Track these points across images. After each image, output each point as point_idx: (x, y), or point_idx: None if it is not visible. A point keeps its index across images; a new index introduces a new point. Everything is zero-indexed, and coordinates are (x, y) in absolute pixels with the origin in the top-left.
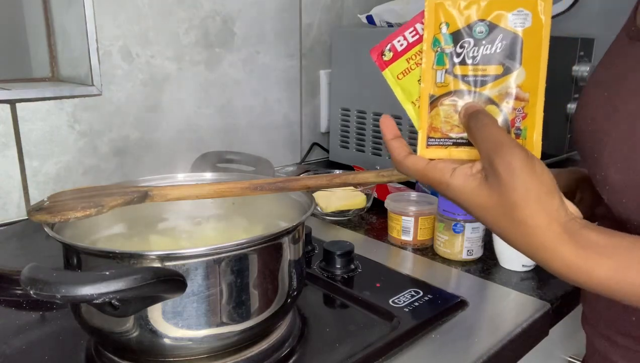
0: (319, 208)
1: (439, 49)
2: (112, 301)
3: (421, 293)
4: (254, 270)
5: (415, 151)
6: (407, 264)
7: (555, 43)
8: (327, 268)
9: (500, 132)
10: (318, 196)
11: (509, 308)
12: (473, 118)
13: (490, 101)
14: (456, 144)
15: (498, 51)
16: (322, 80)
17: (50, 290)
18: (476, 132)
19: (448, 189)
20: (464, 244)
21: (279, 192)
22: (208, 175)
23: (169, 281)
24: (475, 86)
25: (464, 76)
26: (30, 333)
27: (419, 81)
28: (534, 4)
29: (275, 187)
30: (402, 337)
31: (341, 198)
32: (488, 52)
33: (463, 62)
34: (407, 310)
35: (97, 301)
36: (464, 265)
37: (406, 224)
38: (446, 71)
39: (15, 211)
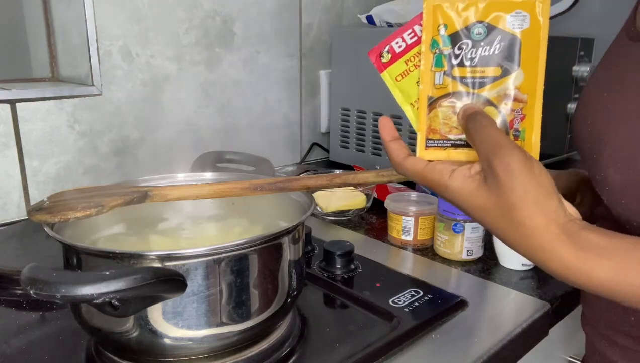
0: (319, 208)
1: (437, 51)
2: (112, 301)
3: (421, 293)
4: (254, 270)
5: (414, 152)
6: (407, 264)
7: (555, 43)
8: (327, 268)
9: (498, 133)
10: (318, 196)
11: (509, 308)
12: (471, 120)
13: (489, 103)
14: (455, 145)
15: (496, 52)
16: (322, 80)
17: (50, 290)
18: (474, 134)
19: (447, 191)
20: (464, 244)
21: (279, 192)
22: (208, 175)
23: (169, 281)
24: (474, 88)
25: (462, 78)
26: (30, 333)
27: (417, 82)
28: (532, 5)
29: (275, 187)
30: (402, 337)
31: (341, 198)
32: (486, 53)
33: (461, 64)
34: (407, 310)
35: (97, 301)
36: (464, 265)
37: (406, 224)
38: (444, 73)
39: (15, 211)
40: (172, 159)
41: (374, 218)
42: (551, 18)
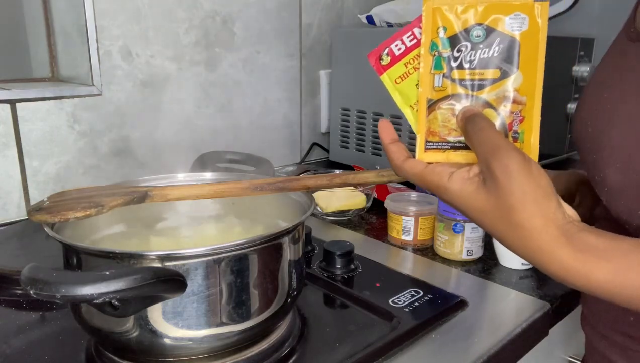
0: (319, 208)
1: (436, 53)
2: (112, 301)
3: (421, 293)
4: (254, 270)
5: (414, 154)
6: (407, 264)
7: (555, 43)
8: (327, 268)
9: (497, 135)
10: (318, 196)
11: (509, 308)
12: (470, 122)
13: (488, 105)
14: (454, 148)
15: (495, 54)
16: (322, 80)
17: (50, 290)
18: (473, 136)
19: (446, 193)
20: (464, 244)
21: (279, 192)
22: (208, 175)
23: (169, 281)
24: (473, 90)
25: (461, 80)
26: (30, 333)
27: (416, 85)
28: (531, 7)
29: (275, 187)
30: (402, 337)
31: (341, 198)
32: (485, 56)
33: (460, 66)
34: (407, 310)
35: (97, 301)
36: (464, 265)
37: (406, 225)
38: (444, 75)
39: (15, 211)
40: (172, 159)
41: (374, 218)
42: (551, 18)
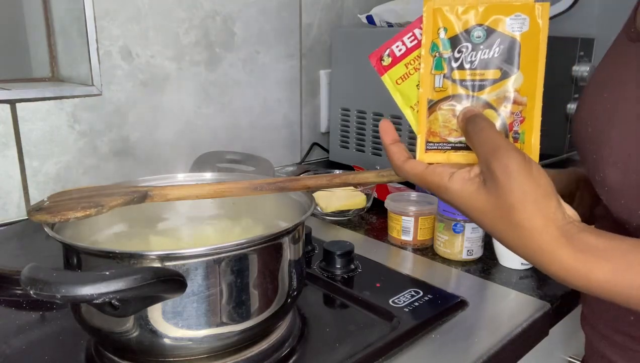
0: (319, 208)
1: (437, 54)
2: (112, 301)
3: (421, 293)
4: (254, 270)
5: (414, 154)
6: (407, 264)
7: (555, 43)
8: (327, 268)
9: (497, 136)
10: (318, 196)
11: (509, 308)
12: (471, 122)
13: (488, 105)
14: (455, 148)
15: (496, 55)
16: (322, 80)
17: (50, 290)
18: (474, 136)
19: (446, 193)
20: (464, 244)
21: (279, 192)
22: (208, 175)
23: (169, 281)
24: (473, 91)
25: (462, 81)
26: (30, 333)
27: (417, 85)
28: (532, 8)
29: (275, 187)
30: (402, 337)
31: (341, 198)
32: (486, 56)
33: (461, 67)
34: (407, 310)
35: (97, 301)
36: (464, 265)
37: (406, 225)
38: (444, 76)
39: (15, 211)
40: (172, 159)
41: (374, 218)
42: (551, 18)
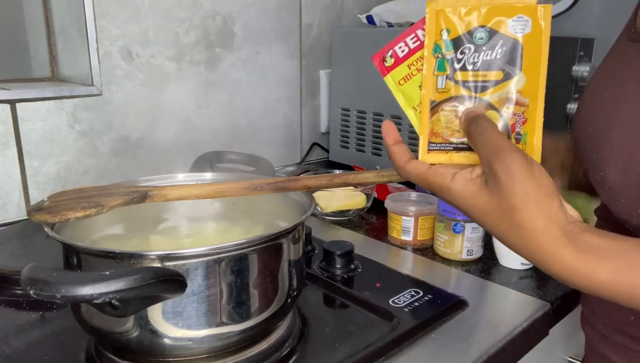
0: (319, 208)
1: (439, 55)
2: (112, 301)
3: (421, 293)
4: (254, 270)
5: (415, 155)
6: (407, 264)
7: (555, 43)
8: (327, 268)
9: (499, 136)
10: (318, 196)
11: (509, 308)
12: (473, 123)
13: (491, 107)
14: (457, 149)
15: (498, 56)
16: (322, 80)
17: (50, 290)
18: (476, 137)
19: (449, 194)
20: (464, 244)
21: (279, 192)
22: (208, 175)
23: (169, 281)
24: (476, 92)
25: (464, 82)
26: (30, 333)
27: (420, 86)
28: (534, 10)
29: (275, 187)
30: (402, 337)
31: (341, 198)
32: (488, 58)
33: (464, 68)
34: (407, 310)
35: (97, 301)
36: (464, 265)
37: (406, 225)
38: (447, 77)
39: (15, 211)
40: (172, 159)
41: (374, 218)
42: (551, 18)
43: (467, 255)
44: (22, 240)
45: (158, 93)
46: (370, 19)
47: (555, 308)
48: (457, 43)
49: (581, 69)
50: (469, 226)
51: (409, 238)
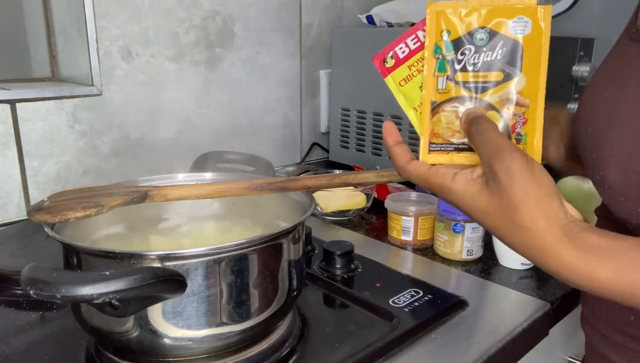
0: (319, 208)
1: (440, 56)
2: (112, 301)
3: (421, 293)
4: (254, 270)
5: (416, 155)
6: (407, 264)
7: (555, 43)
8: (327, 268)
9: (500, 137)
10: (318, 196)
11: (509, 308)
12: (473, 124)
13: (491, 107)
14: (457, 149)
15: (498, 57)
16: (322, 80)
17: (50, 290)
18: (476, 138)
19: (449, 194)
20: (464, 244)
21: (279, 192)
22: (208, 175)
23: (169, 281)
24: (476, 92)
25: (465, 83)
26: (30, 333)
27: (420, 87)
28: (534, 11)
29: (275, 187)
30: (402, 337)
31: (341, 198)
32: (489, 58)
33: (464, 69)
34: (407, 310)
35: (97, 301)
36: (464, 265)
37: (406, 225)
38: (447, 78)
39: (15, 211)
40: (172, 159)
41: (374, 218)
42: (551, 18)
43: (467, 255)
44: (22, 240)
45: (158, 93)
46: (370, 19)
47: (555, 308)
48: (457, 44)
49: (581, 69)
50: (469, 226)
51: (409, 238)
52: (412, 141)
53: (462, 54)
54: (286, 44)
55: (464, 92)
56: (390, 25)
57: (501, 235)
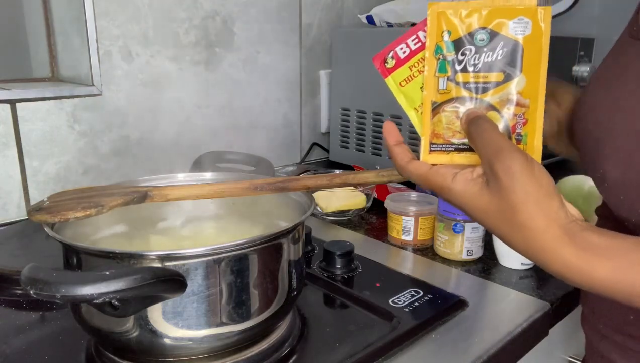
0: (319, 208)
1: (440, 57)
2: (112, 301)
3: (421, 293)
4: (254, 270)
5: (416, 155)
6: (407, 264)
7: (555, 43)
8: (327, 268)
9: (500, 137)
10: (318, 196)
11: (509, 308)
12: (474, 124)
13: (492, 108)
14: (458, 149)
15: (499, 58)
16: (322, 80)
17: (50, 290)
18: (477, 138)
19: (450, 194)
20: (464, 244)
21: (279, 192)
22: (208, 175)
23: (169, 281)
24: (477, 93)
25: (465, 83)
26: (30, 333)
27: (421, 88)
28: (534, 12)
29: (275, 187)
30: (402, 337)
31: (341, 198)
32: (489, 59)
33: (465, 70)
34: (407, 310)
35: (97, 301)
36: (464, 265)
37: (406, 225)
38: (448, 78)
39: (15, 211)
40: (172, 159)
41: (374, 218)
42: (551, 18)
43: (467, 255)
44: (22, 240)
45: (158, 93)
46: (370, 19)
47: (555, 308)
48: (458, 45)
49: (581, 69)
50: (469, 226)
51: (409, 238)
52: (413, 141)
53: (463, 54)
54: (286, 44)
55: (464, 93)
56: (390, 25)
57: (501, 234)
